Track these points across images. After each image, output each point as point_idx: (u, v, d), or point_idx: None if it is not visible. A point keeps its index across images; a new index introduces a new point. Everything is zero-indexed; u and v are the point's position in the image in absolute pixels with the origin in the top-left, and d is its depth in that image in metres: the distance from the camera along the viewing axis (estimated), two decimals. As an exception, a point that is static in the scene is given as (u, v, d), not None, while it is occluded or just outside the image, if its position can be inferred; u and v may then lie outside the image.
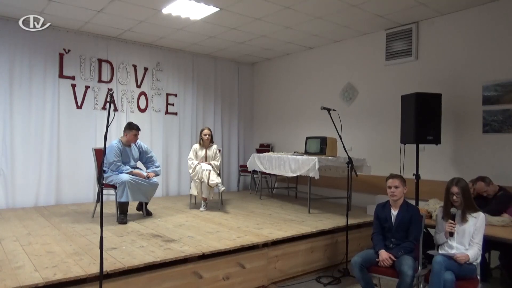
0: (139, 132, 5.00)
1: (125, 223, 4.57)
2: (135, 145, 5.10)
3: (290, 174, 5.58)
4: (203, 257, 3.40)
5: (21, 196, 5.68)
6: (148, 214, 5.08)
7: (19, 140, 5.69)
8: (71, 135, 6.14)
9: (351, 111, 6.29)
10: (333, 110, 4.42)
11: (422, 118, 4.48)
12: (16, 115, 5.67)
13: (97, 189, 4.57)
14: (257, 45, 6.95)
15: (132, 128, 4.92)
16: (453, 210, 3.16)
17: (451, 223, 3.12)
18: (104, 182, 4.51)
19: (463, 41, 5.00)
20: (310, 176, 5.10)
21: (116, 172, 4.71)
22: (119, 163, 4.76)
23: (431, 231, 3.97)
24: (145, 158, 5.19)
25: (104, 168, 4.62)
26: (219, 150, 5.87)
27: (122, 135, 4.98)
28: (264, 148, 7.90)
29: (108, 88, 6.43)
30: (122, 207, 4.66)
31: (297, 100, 7.42)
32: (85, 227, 4.33)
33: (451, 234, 3.12)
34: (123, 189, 4.61)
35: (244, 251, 3.66)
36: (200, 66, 7.67)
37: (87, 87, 6.30)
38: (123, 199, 4.62)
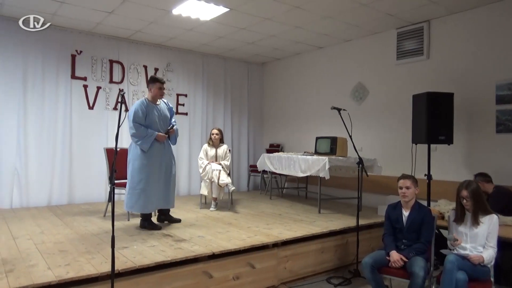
0: (164, 85, 4.47)
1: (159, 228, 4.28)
2: (164, 102, 4.56)
3: (300, 174, 5.56)
4: (213, 256, 3.41)
5: (35, 195, 5.77)
6: (176, 221, 4.64)
7: (32, 141, 5.78)
8: (83, 135, 6.21)
9: (362, 111, 6.25)
10: (344, 110, 4.39)
11: (433, 118, 4.42)
12: (29, 116, 5.76)
13: (108, 189, 4.60)
14: (266, 45, 6.94)
15: (155, 81, 4.34)
16: (446, 251, 3.14)
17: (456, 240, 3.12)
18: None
19: (475, 40, 4.93)
20: (320, 176, 5.08)
21: (145, 142, 4.17)
22: (143, 130, 4.16)
23: (443, 232, 3.93)
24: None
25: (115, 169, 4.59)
26: (229, 150, 5.88)
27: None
28: (274, 148, 7.89)
29: (119, 89, 6.46)
30: (145, 215, 4.33)
31: (307, 100, 7.39)
32: (97, 226, 4.38)
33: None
34: (137, 196, 4.17)
35: (254, 251, 3.66)
36: (210, 67, 7.70)
37: (98, 88, 6.37)
38: (136, 210, 4.26)
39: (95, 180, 6.23)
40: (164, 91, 4.55)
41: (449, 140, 4.52)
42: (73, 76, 6.15)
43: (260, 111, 8.54)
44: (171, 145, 4.63)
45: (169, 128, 4.51)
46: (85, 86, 6.26)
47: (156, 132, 4.28)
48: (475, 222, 3.06)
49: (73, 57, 6.15)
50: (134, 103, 4.39)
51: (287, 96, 7.88)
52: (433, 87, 4.87)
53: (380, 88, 6.07)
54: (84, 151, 6.19)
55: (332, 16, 5.37)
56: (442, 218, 4.09)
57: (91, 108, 6.30)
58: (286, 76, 7.90)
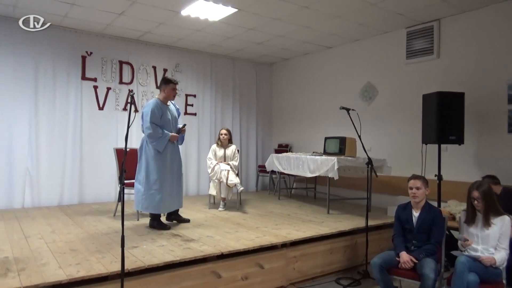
0: (177, 86, 4.49)
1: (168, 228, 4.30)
2: (172, 103, 4.57)
3: (309, 175, 5.55)
4: (222, 256, 3.42)
5: (46, 195, 5.84)
6: (185, 221, 4.66)
7: (44, 141, 5.85)
8: (94, 135, 6.27)
9: (371, 111, 6.21)
10: (352, 110, 4.37)
11: (444, 118, 4.38)
12: (41, 117, 5.84)
13: (118, 189, 4.63)
14: (275, 45, 6.94)
15: (169, 82, 4.36)
16: (457, 252, 3.14)
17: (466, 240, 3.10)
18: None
19: (486, 38, 4.87)
20: (329, 176, 5.06)
21: (161, 143, 4.21)
22: (159, 131, 4.19)
23: (454, 233, 3.89)
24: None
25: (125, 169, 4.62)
26: (238, 150, 5.89)
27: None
28: (283, 148, 7.88)
29: (129, 89, 6.56)
30: (155, 215, 4.36)
31: (315, 100, 7.37)
32: (106, 226, 4.41)
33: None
34: (153, 196, 4.21)
35: (262, 251, 3.66)
36: (219, 67, 7.72)
37: (108, 89, 6.43)
38: (151, 210, 4.26)
39: (105, 180, 6.28)
40: (177, 91, 4.60)
41: (459, 140, 4.47)
42: (84, 77, 6.21)
43: (268, 111, 8.54)
44: (186, 140, 4.70)
45: (181, 127, 4.56)
46: (95, 87, 6.32)
47: (170, 133, 4.33)
48: (487, 223, 3.02)
49: (84, 58, 6.21)
50: (148, 103, 4.39)
51: (295, 96, 7.87)
52: (444, 87, 4.82)
53: (390, 88, 6.02)
54: (94, 151, 6.25)
55: (341, 16, 5.34)
56: (453, 219, 4.04)
57: (101, 108, 6.36)
58: (295, 76, 7.88)
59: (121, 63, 6.57)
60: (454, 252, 3.15)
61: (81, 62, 6.19)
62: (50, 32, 5.84)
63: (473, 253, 3.03)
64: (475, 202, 3.07)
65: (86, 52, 6.23)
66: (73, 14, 5.38)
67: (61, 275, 2.74)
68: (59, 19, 5.60)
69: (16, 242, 3.65)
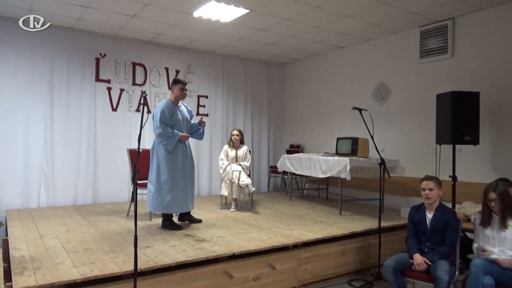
0: (186, 86, 4.54)
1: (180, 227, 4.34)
2: (184, 105, 4.66)
3: (321, 175, 5.52)
4: (234, 257, 3.43)
5: (61, 195, 5.93)
6: (197, 221, 4.68)
7: (58, 142, 5.95)
8: (107, 136, 6.35)
9: (384, 111, 6.15)
10: (365, 110, 4.34)
11: (459, 118, 4.31)
12: (56, 118, 5.93)
13: (131, 189, 4.68)
14: (286, 46, 6.93)
15: (177, 82, 4.44)
16: (473, 256, 3.08)
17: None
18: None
19: (502, 37, 4.78)
20: (342, 177, 5.03)
21: (170, 143, 4.25)
22: (169, 130, 4.23)
23: (469, 235, 3.83)
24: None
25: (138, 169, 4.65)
26: (249, 151, 5.89)
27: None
28: (294, 149, 7.86)
29: (142, 91, 6.61)
30: (167, 215, 4.40)
31: (327, 100, 7.33)
32: (120, 226, 4.46)
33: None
34: (164, 196, 4.24)
35: (274, 252, 3.66)
36: (230, 68, 7.74)
37: (121, 90, 6.50)
38: (162, 210, 4.29)
39: (118, 181, 6.35)
40: (186, 92, 4.63)
41: (474, 141, 4.40)
42: (97, 79, 6.29)
43: (280, 112, 8.53)
44: (199, 141, 4.93)
45: (200, 119, 4.67)
46: (109, 89, 6.40)
47: (179, 133, 4.36)
48: (503, 225, 2.96)
49: (97, 60, 6.29)
50: (159, 104, 4.45)
51: (307, 97, 7.84)
52: (458, 86, 4.75)
53: (403, 87, 5.95)
54: (107, 152, 6.33)
55: (353, 15, 5.31)
56: (468, 220, 3.98)
57: (114, 110, 6.44)
58: (306, 76, 7.86)
59: (134, 64, 6.64)
60: (470, 256, 3.10)
61: (95, 64, 6.28)
62: (64, 35, 5.95)
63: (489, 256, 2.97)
64: (492, 203, 3.02)
65: (100, 54, 6.31)
66: (87, 16, 5.46)
67: (76, 274, 2.78)
68: (73, 22, 5.69)
69: (32, 241, 3.72)
